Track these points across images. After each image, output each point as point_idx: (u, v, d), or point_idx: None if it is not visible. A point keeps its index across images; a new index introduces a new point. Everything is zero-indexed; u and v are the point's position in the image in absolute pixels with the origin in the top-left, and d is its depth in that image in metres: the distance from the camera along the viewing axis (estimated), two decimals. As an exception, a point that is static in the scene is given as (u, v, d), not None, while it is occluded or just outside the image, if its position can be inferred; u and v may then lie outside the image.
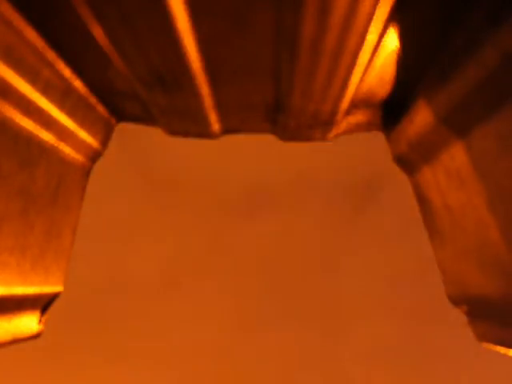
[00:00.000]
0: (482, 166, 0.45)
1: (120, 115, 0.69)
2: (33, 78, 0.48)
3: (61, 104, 0.55)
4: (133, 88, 0.59)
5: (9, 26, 0.41)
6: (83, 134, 0.63)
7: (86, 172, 0.70)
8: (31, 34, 0.45)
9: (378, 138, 1.37)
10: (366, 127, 0.67)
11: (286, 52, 0.44)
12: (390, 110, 0.63)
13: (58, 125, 0.56)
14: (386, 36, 0.48)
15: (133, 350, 1.29)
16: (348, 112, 0.63)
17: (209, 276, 1.35)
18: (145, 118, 0.68)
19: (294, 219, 1.37)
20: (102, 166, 1.42)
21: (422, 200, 0.67)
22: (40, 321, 0.61)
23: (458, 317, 1.29)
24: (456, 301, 0.63)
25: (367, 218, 1.35)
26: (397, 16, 0.45)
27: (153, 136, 1.44)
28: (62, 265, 0.64)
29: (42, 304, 0.61)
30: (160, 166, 1.39)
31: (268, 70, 0.51)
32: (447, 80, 0.48)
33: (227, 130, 0.69)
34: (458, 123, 0.48)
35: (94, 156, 0.70)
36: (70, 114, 0.58)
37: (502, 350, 0.53)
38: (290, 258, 1.35)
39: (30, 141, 0.51)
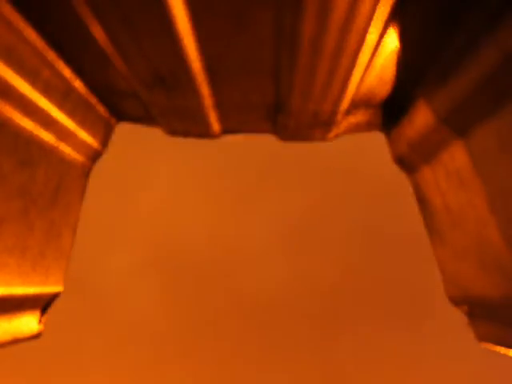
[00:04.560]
0: (482, 165, 0.45)
1: (120, 115, 0.69)
2: (33, 79, 0.48)
3: (61, 104, 0.55)
4: (133, 88, 0.59)
5: (9, 26, 0.42)
6: (83, 134, 0.63)
7: (86, 172, 0.70)
8: (31, 35, 0.45)
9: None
10: (366, 127, 0.67)
11: (286, 52, 0.44)
12: (390, 110, 0.63)
13: (57, 125, 0.56)
14: (386, 36, 0.48)
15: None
16: (348, 112, 0.64)
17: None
18: (145, 118, 0.68)
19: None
20: (102, 166, 1.42)
21: (422, 200, 0.67)
22: (40, 321, 0.61)
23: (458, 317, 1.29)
24: (456, 301, 0.62)
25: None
26: (397, 16, 0.45)
27: (153, 136, 1.44)
28: (62, 265, 0.64)
29: (42, 304, 0.61)
30: (160, 167, 1.39)
31: (268, 69, 0.51)
32: (447, 80, 0.48)
33: (227, 130, 0.69)
34: (458, 123, 0.48)
35: (94, 156, 0.70)
36: (70, 114, 0.58)
37: (501, 350, 0.53)
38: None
39: (30, 141, 0.51)
